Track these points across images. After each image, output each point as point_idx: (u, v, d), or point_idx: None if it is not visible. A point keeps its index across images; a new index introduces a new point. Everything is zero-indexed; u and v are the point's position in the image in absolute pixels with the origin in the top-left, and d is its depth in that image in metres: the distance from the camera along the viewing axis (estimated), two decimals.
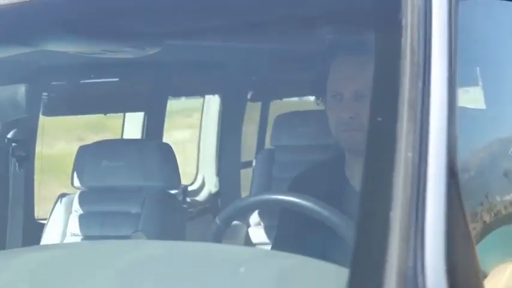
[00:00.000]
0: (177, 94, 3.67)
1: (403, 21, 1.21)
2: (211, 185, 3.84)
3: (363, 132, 1.73)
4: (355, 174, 1.85)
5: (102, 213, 2.74)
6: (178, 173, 2.74)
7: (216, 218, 1.53)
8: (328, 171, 1.90)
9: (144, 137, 3.34)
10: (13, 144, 2.66)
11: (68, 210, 2.78)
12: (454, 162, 1.11)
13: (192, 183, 3.86)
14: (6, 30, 1.98)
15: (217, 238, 1.51)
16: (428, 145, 1.08)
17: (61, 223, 2.75)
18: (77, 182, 2.78)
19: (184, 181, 3.67)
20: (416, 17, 1.21)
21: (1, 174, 2.68)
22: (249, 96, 4.04)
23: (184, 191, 3.29)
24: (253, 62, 3.63)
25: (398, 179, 1.03)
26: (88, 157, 2.73)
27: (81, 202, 2.77)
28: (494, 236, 1.64)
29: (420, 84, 1.14)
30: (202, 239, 2.24)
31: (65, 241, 2.73)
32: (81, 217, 2.75)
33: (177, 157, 2.70)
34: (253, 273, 1.14)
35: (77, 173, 2.77)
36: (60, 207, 2.79)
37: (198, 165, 3.87)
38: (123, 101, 3.16)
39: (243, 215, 1.89)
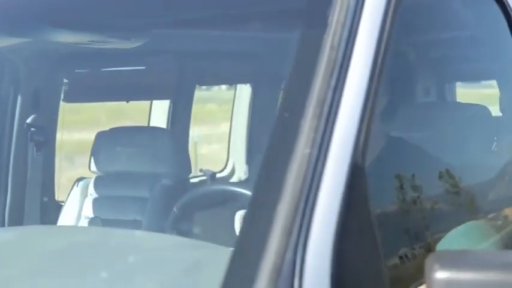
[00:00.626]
0: (206, 83, 3.71)
1: (330, 18, 1.21)
2: (241, 172, 3.87)
3: None
4: None
5: (114, 198, 2.81)
6: (189, 160, 2.79)
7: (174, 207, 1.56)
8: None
9: (169, 126, 3.40)
10: (32, 129, 2.75)
11: (84, 194, 2.87)
12: (360, 162, 1.11)
13: (222, 170, 3.90)
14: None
15: (174, 225, 1.55)
16: (331, 143, 1.08)
17: (77, 206, 2.84)
18: (93, 167, 2.86)
19: (215, 168, 3.73)
20: (343, 15, 1.21)
21: (20, 158, 2.77)
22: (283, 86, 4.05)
23: (212, 177, 3.33)
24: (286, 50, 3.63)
25: (290, 174, 1.04)
26: (104, 143, 2.81)
27: (96, 186, 2.85)
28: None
29: (333, 82, 1.14)
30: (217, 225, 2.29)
31: (79, 223, 2.82)
32: (94, 201, 2.83)
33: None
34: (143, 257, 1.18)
35: (93, 158, 2.85)
36: (77, 191, 2.88)
37: (228, 152, 3.91)
38: (148, 89, 3.22)
39: (199, 203, 1.91)
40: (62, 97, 2.93)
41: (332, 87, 1.13)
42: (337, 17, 1.21)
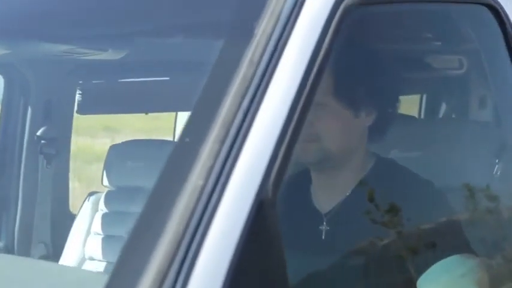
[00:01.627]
0: None
1: (256, 30, 1.07)
2: None
3: (316, 144, 1.59)
4: (319, 197, 1.69)
5: (123, 214, 2.72)
6: None
7: None
8: (294, 188, 1.75)
9: None
10: (42, 141, 2.70)
11: (95, 209, 2.79)
12: (271, 196, 0.96)
13: None
14: None
15: None
16: (232, 173, 0.95)
17: (87, 221, 2.76)
18: (105, 181, 2.78)
19: None
20: (271, 26, 1.07)
21: (31, 171, 2.72)
22: None
23: None
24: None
25: (175, 209, 0.90)
26: (116, 157, 2.73)
27: (107, 201, 2.77)
28: None
29: (245, 102, 1.00)
30: None
31: (88, 239, 2.74)
32: (104, 216, 2.75)
33: None
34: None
35: (106, 172, 2.78)
36: (88, 205, 2.80)
37: None
38: (166, 100, 3.13)
39: None
40: (75, 109, 2.87)
41: (243, 108, 0.99)
42: (263, 28, 1.07)
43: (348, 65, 1.60)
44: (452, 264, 1.48)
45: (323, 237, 1.62)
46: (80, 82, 2.83)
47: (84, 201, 2.83)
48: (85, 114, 2.92)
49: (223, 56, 1.07)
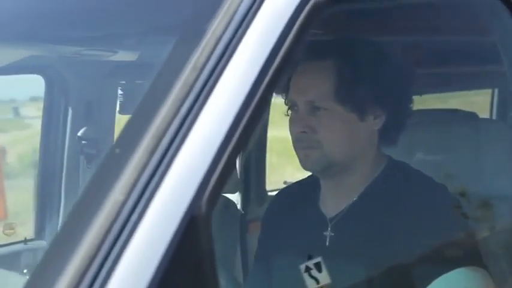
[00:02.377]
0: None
1: (207, 32, 1.00)
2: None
3: (319, 150, 1.50)
4: (326, 202, 1.61)
5: None
6: (236, 177, 2.62)
7: None
8: (303, 194, 1.67)
9: None
10: (83, 142, 2.70)
11: None
12: (204, 213, 0.90)
13: None
14: None
15: None
16: (159, 188, 0.88)
17: None
18: None
19: None
20: (222, 27, 1.00)
21: (72, 171, 2.73)
22: None
23: None
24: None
25: (92, 226, 0.84)
26: None
27: None
28: None
29: (183, 111, 0.93)
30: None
31: None
32: None
33: None
34: None
35: None
36: None
37: None
38: None
39: None
40: (117, 109, 2.86)
41: (180, 117, 0.92)
42: (214, 29, 0.99)
43: (348, 67, 1.51)
44: (455, 279, 1.37)
45: (327, 243, 1.54)
46: (122, 82, 2.82)
47: None
48: (128, 114, 2.90)
49: (170, 60, 1.00)
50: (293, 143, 1.57)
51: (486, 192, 1.73)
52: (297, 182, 1.76)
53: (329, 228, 1.55)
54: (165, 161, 0.90)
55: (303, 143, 1.53)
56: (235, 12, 1.01)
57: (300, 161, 1.56)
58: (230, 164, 0.93)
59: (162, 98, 0.94)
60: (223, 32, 0.99)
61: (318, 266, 1.32)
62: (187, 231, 0.88)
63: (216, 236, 2.43)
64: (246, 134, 0.95)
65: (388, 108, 1.53)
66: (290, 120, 1.56)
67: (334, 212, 1.56)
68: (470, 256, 1.45)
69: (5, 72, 2.58)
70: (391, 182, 1.54)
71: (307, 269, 1.32)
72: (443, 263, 1.40)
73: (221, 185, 0.92)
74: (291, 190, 1.78)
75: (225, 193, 2.63)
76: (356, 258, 1.46)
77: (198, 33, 0.99)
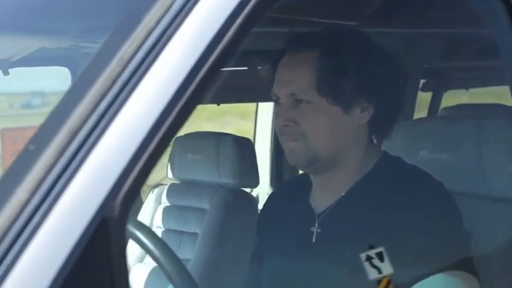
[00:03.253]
0: None
1: (142, 22, 0.95)
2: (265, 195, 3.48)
3: (302, 143, 1.44)
4: (316, 197, 1.54)
5: (180, 208, 2.67)
6: (257, 170, 2.56)
7: None
8: (296, 191, 1.61)
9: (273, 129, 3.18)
10: None
11: (158, 202, 2.76)
12: (118, 215, 0.85)
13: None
14: None
15: None
16: (67, 187, 0.84)
17: (149, 214, 2.74)
18: (170, 174, 2.75)
19: None
20: (157, 17, 0.95)
21: None
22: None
23: None
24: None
25: None
26: (178, 149, 2.68)
27: (168, 194, 2.74)
28: None
29: (102, 106, 0.89)
30: None
31: None
32: (164, 210, 2.71)
33: None
34: None
35: (170, 164, 2.74)
36: (151, 198, 2.78)
37: None
38: (241, 91, 3.04)
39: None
40: None
41: (98, 113, 0.88)
42: (148, 19, 0.94)
43: (330, 57, 1.43)
44: (433, 285, 1.29)
45: (313, 240, 1.48)
46: None
47: (149, 193, 2.81)
48: None
49: (99, 52, 0.95)
50: (279, 137, 1.52)
51: None
52: (290, 179, 1.70)
53: (316, 224, 1.49)
54: (78, 158, 0.85)
55: (286, 136, 1.48)
56: (172, 3, 0.95)
57: (286, 156, 1.50)
58: (150, 164, 0.88)
59: (84, 92, 0.89)
60: (157, 24, 0.94)
61: (380, 256, 1.26)
62: (97, 233, 0.83)
63: (234, 231, 2.38)
64: (171, 133, 0.90)
65: (376, 101, 1.45)
66: (275, 115, 1.51)
67: (323, 207, 1.50)
68: (459, 259, 1.36)
69: (32, 64, 2.60)
70: (382, 177, 1.46)
71: (369, 258, 1.27)
72: (429, 265, 1.32)
73: (139, 185, 0.87)
74: (285, 188, 1.72)
75: (245, 187, 2.59)
76: (340, 257, 1.39)
77: (132, 25, 0.94)
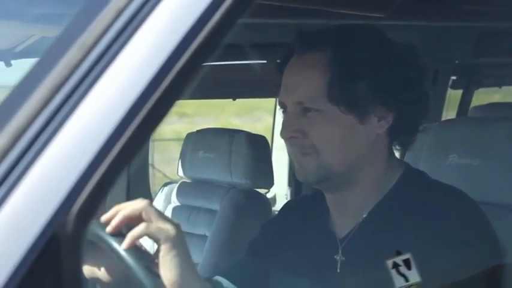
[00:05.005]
0: None
1: (111, 2, 0.80)
2: (283, 196, 3.31)
3: (314, 157, 1.27)
4: (335, 220, 1.37)
5: (190, 208, 2.53)
6: (271, 170, 2.40)
7: None
8: (313, 208, 1.43)
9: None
10: None
11: (167, 200, 2.62)
12: (67, 229, 0.70)
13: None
14: None
15: None
16: (9, 197, 0.70)
17: None
18: (180, 171, 2.60)
19: None
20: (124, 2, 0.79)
21: None
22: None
23: None
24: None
25: None
26: (189, 146, 2.54)
27: (178, 193, 2.59)
28: None
29: (58, 100, 0.73)
30: None
31: None
32: (174, 209, 2.57)
33: None
34: None
35: (181, 162, 2.60)
36: (161, 197, 2.64)
37: None
38: (258, 86, 2.88)
39: None
40: None
41: (51, 107, 0.73)
42: (115, 2, 0.79)
43: (342, 60, 1.26)
44: None
45: (338, 270, 1.31)
46: None
47: (158, 191, 2.67)
48: None
49: (61, 37, 0.80)
50: (287, 150, 1.34)
51: None
52: (302, 196, 1.52)
53: (340, 252, 1.31)
54: (22, 164, 0.70)
55: (295, 150, 1.30)
56: None
57: (295, 172, 1.33)
58: (113, 172, 0.73)
59: (35, 83, 0.74)
60: (128, 4, 0.78)
61: (407, 263, 1.14)
62: (44, 253, 0.69)
63: (244, 235, 2.20)
64: (142, 134, 0.75)
65: (396, 108, 1.28)
66: (281, 124, 1.34)
67: (344, 232, 1.33)
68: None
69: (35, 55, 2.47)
70: (406, 196, 1.28)
71: (395, 265, 1.14)
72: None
73: (98, 197, 0.72)
74: (296, 205, 1.54)
75: (259, 188, 2.43)
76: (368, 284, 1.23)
77: (98, 4, 0.79)
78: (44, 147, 0.71)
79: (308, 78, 1.28)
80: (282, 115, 1.33)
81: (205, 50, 0.79)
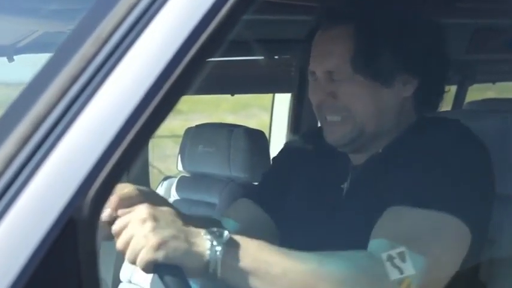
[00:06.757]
0: None
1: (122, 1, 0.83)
2: None
3: (346, 117, 1.34)
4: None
5: (190, 202, 2.56)
6: (269, 165, 2.43)
7: None
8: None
9: (290, 121, 3.05)
10: None
11: (167, 195, 2.65)
12: (83, 214, 0.74)
13: None
14: None
15: None
16: (30, 182, 0.73)
17: None
18: (180, 166, 2.64)
19: None
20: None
21: None
22: None
23: None
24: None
25: None
26: (188, 141, 2.57)
27: (178, 187, 2.63)
28: None
29: (74, 90, 0.77)
30: None
31: None
32: (174, 203, 2.60)
33: None
34: None
35: (180, 156, 2.63)
36: (161, 191, 2.67)
37: None
38: (260, 81, 2.92)
39: None
40: None
41: (68, 98, 0.77)
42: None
43: (367, 32, 1.34)
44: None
45: (343, 197, 1.41)
46: None
47: (158, 186, 2.71)
48: None
49: (77, 30, 0.84)
50: (316, 114, 1.43)
51: None
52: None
53: (349, 179, 1.42)
54: (42, 150, 0.74)
55: (325, 111, 1.39)
56: None
57: (325, 134, 1.41)
58: (126, 158, 0.77)
59: (53, 75, 0.78)
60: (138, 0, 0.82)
61: (401, 256, 1.18)
62: (62, 235, 0.73)
63: None
64: (152, 124, 0.79)
65: (420, 74, 1.36)
66: (309, 90, 1.42)
67: (358, 161, 1.43)
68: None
69: (37, 50, 2.50)
70: (420, 133, 1.36)
71: (390, 258, 1.18)
72: None
73: (113, 183, 0.76)
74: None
75: (257, 182, 2.47)
76: (368, 215, 1.27)
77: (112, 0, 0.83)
78: (62, 134, 0.75)
79: (334, 51, 1.37)
80: (312, 83, 1.42)
81: (214, 42, 0.83)
